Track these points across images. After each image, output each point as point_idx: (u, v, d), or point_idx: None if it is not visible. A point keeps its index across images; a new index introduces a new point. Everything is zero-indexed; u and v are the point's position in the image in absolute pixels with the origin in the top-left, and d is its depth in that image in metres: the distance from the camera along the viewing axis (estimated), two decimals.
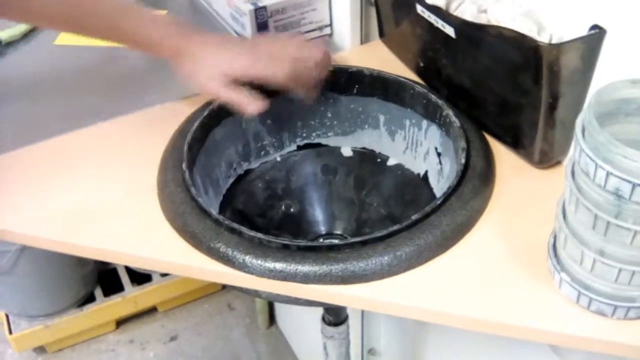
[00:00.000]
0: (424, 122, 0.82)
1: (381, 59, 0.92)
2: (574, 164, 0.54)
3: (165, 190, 0.73)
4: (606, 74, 0.65)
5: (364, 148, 0.90)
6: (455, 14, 0.73)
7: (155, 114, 0.85)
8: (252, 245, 0.65)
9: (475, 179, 0.71)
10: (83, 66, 0.94)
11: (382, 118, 0.87)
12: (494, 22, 0.69)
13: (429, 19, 0.76)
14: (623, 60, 0.63)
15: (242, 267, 0.64)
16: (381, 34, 0.95)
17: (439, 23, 0.75)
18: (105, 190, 0.74)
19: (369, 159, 0.89)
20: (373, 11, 0.94)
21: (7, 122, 0.85)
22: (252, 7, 0.92)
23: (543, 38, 0.66)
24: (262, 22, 0.93)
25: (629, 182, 0.49)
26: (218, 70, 0.75)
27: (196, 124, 0.78)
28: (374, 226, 0.86)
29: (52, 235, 0.70)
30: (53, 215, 0.72)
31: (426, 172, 0.84)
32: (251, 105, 0.76)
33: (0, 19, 0.75)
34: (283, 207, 0.88)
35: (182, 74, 0.77)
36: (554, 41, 0.65)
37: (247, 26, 0.93)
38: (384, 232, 0.65)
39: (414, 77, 0.87)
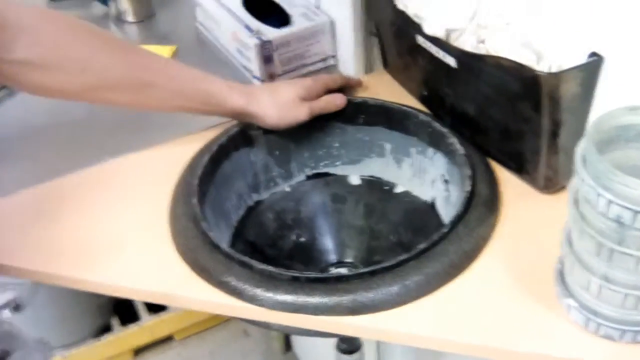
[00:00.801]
0: (430, 150, 0.83)
1: (386, 88, 0.93)
2: (576, 192, 0.55)
3: (177, 225, 0.74)
4: (606, 100, 0.65)
5: (371, 176, 0.91)
6: (454, 44, 0.74)
7: (163, 150, 0.86)
8: (262, 279, 0.66)
9: (481, 205, 0.72)
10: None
11: (388, 146, 0.88)
12: (492, 53, 0.70)
13: (429, 49, 0.78)
14: (622, 86, 0.63)
15: (253, 300, 0.65)
16: (385, 64, 0.96)
17: (440, 53, 0.76)
18: (117, 226, 0.76)
19: (377, 187, 0.90)
20: (377, 41, 0.96)
21: (16, 162, 0.86)
22: (257, 41, 0.93)
23: (542, 67, 0.66)
24: (267, 55, 0.95)
25: (631, 209, 0.49)
26: (293, 97, 0.82)
27: (206, 158, 0.79)
28: (384, 254, 0.86)
29: (65, 272, 0.71)
30: (65, 252, 0.73)
31: (434, 199, 0.84)
32: (336, 99, 0.85)
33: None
34: (294, 237, 0.89)
35: (269, 123, 0.82)
36: (553, 70, 0.66)
37: (253, 60, 0.95)
38: (392, 262, 0.65)
39: (419, 105, 0.88)
